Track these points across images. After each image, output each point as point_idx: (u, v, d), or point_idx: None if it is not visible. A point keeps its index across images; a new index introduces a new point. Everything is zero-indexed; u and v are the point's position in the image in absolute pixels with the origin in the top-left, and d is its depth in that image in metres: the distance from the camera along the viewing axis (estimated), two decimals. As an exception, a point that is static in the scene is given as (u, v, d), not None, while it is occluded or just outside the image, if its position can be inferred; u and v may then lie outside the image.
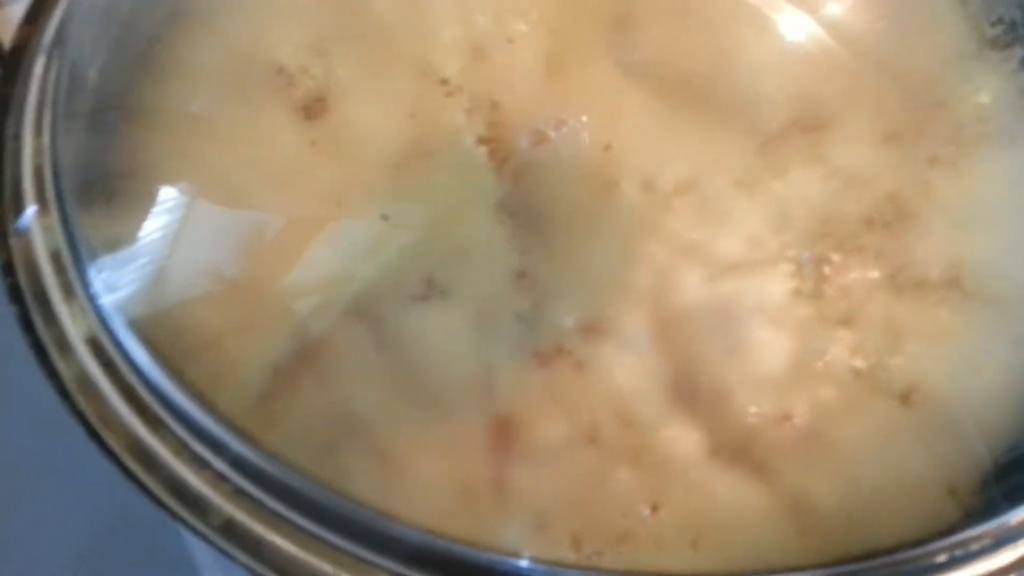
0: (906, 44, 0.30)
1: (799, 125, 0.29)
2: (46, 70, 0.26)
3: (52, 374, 0.22)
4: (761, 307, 0.26)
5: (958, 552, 0.22)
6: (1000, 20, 0.29)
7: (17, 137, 0.25)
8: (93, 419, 0.21)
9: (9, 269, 0.22)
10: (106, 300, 0.23)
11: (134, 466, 0.21)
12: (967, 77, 0.29)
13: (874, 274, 0.27)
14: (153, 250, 0.25)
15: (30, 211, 0.24)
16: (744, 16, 0.31)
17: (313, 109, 0.29)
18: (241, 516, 0.21)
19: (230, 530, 0.21)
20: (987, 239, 0.28)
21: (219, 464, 0.21)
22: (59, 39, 0.26)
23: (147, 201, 0.27)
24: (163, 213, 0.27)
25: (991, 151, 0.29)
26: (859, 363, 0.25)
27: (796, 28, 0.31)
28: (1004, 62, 0.29)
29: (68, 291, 0.23)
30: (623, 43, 0.31)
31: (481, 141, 0.29)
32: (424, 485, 0.24)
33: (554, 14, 0.31)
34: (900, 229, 0.27)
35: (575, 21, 0.31)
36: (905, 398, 0.25)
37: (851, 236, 0.27)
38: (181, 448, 0.21)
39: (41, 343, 0.22)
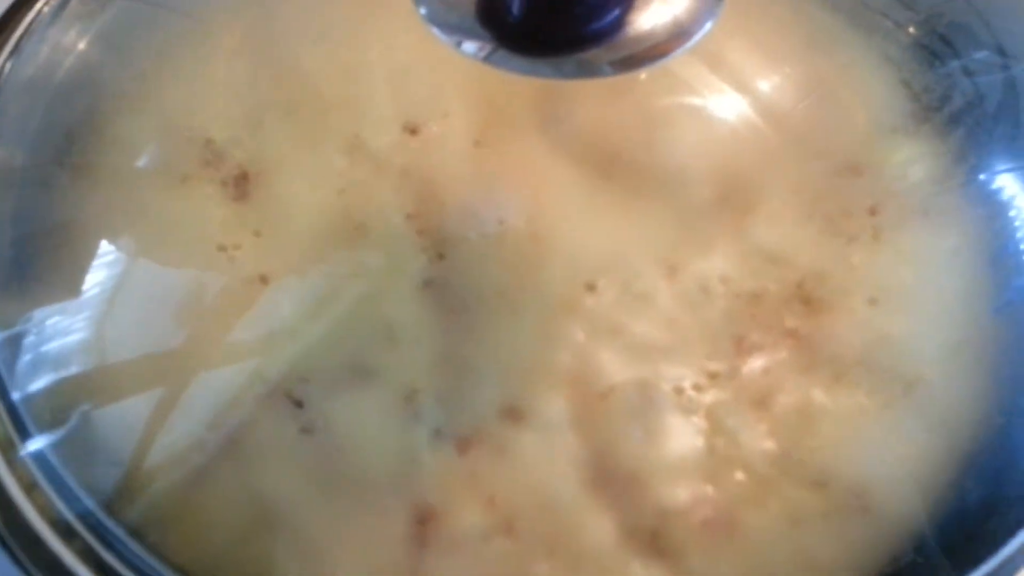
0: (830, 123, 0.31)
1: (723, 203, 0.30)
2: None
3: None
4: (678, 390, 0.27)
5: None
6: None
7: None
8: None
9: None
10: (16, 398, 0.23)
11: (41, 576, 0.21)
12: (887, 155, 0.30)
13: (790, 354, 0.27)
14: (66, 337, 0.25)
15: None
16: (674, 92, 0.32)
17: (242, 183, 0.30)
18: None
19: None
20: (903, 318, 0.28)
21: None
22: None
23: (65, 280, 0.27)
24: (82, 293, 0.27)
25: (909, 229, 0.29)
26: (772, 447, 0.26)
27: (724, 106, 0.31)
28: (923, 141, 0.30)
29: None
30: (554, 117, 0.31)
31: (410, 218, 0.29)
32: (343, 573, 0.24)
33: (489, 88, 0.31)
34: (818, 308, 0.28)
35: (508, 95, 0.31)
36: (818, 483, 0.25)
37: (770, 316, 0.28)
38: (88, 555, 0.22)
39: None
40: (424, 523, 0.25)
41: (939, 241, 0.29)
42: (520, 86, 0.32)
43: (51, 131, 0.28)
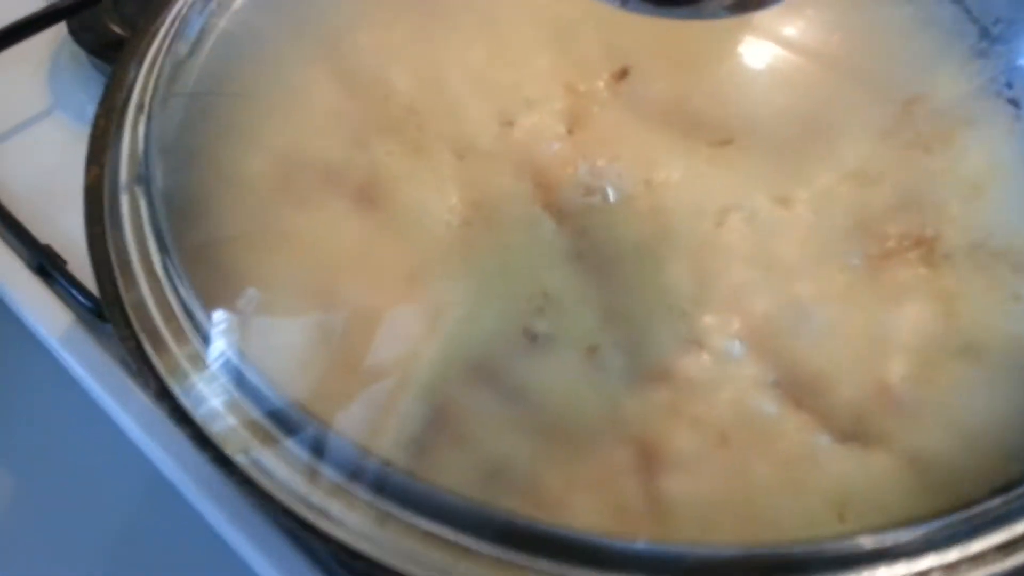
0: (873, 53, 0.34)
1: (804, 139, 0.33)
2: (133, 207, 0.27)
3: (219, 459, 0.23)
4: (828, 297, 0.29)
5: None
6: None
7: (128, 272, 0.26)
8: (269, 488, 0.23)
9: (164, 393, 0.23)
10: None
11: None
12: (938, 74, 0.34)
13: (911, 254, 0.30)
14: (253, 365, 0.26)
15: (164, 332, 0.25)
16: (726, 52, 0.35)
17: (368, 198, 0.31)
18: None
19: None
20: (993, 206, 0.31)
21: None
22: (138, 176, 0.27)
23: (248, 314, 0.28)
24: (265, 321, 0.28)
25: (973, 133, 0.33)
26: (926, 330, 0.28)
27: (772, 56, 0.35)
28: (970, 60, 0.33)
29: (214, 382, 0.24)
30: (630, 91, 0.34)
31: (533, 199, 0.31)
32: (586, 518, 0.25)
33: (563, 74, 0.34)
34: (919, 210, 0.31)
35: (583, 78, 0.34)
36: (974, 353, 0.28)
37: (880, 224, 0.31)
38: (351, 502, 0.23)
39: (201, 431, 0.23)
40: (646, 453, 0.26)
41: (1006, 138, 0.32)
42: (593, 70, 0.34)
43: (195, 178, 0.29)
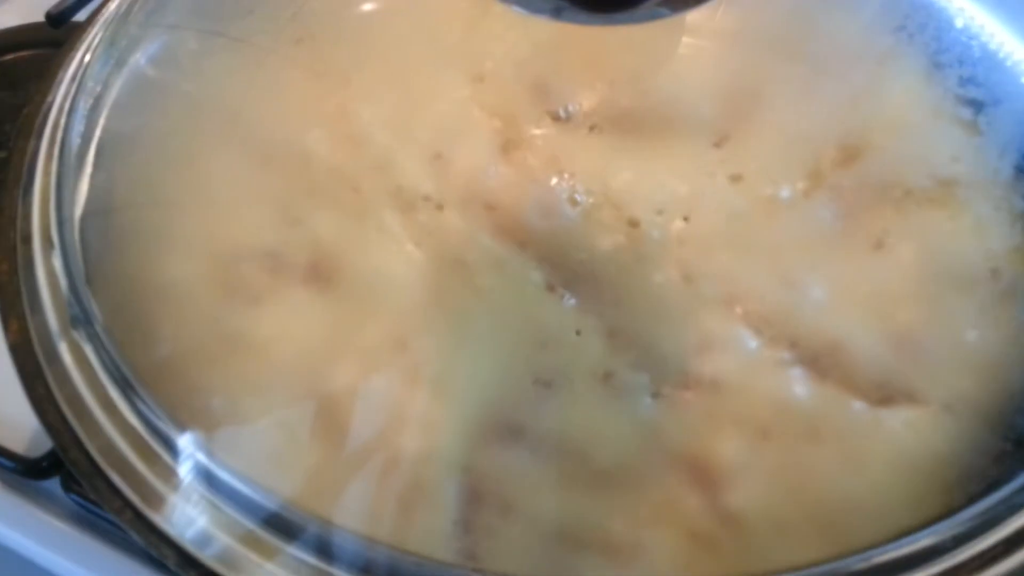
0: (783, 23, 0.34)
1: (737, 116, 0.32)
2: (75, 352, 0.24)
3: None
4: (814, 265, 0.29)
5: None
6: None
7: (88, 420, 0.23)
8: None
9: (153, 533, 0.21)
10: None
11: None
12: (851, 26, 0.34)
13: (872, 201, 0.30)
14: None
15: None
16: (641, 48, 0.34)
17: (320, 276, 0.29)
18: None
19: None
20: (928, 140, 0.32)
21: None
22: (74, 319, 0.24)
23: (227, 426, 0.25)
24: (246, 428, 0.25)
25: (890, 73, 0.33)
26: (912, 271, 0.29)
27: (688, 46, 0.34)
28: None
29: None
30: (555, 106, 0.33)
31: (493, 235, 0.29)
32: (662, 553, 0.24)
33: (483, 100, 0.32)
34: (866, 161, 0.31)
35: (503, 101, 0.32)
36: (964, 283, 0.28)
37: (835, 179, 0.31)
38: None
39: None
40: (698, 470, 0.25)
41: (921, 71, 0.33)
42: (511, 93, 0.33)
43: (134, 296, 0.26)
